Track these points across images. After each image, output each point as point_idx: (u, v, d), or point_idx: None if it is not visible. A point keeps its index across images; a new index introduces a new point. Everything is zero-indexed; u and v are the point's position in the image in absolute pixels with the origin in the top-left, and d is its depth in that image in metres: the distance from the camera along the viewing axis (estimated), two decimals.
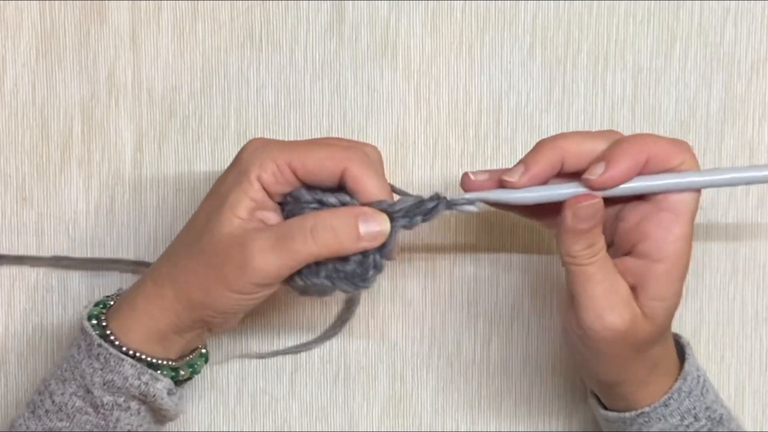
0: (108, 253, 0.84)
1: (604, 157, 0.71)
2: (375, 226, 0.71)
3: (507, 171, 0.72)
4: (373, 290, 0.85)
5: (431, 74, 0.84)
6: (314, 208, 0.73)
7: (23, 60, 0.83)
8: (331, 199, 0.72)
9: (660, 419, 0.75)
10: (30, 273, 0.84)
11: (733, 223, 0.85)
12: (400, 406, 0.86)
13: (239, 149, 0.73)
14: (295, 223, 0.71)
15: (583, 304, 0.71)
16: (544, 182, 0.72)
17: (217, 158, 0.84)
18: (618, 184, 0.71)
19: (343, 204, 0.72)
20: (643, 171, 0.71)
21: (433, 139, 0.84)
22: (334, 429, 0.86)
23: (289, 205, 0.73)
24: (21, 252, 0.84)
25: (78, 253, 0.84)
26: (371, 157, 0.73)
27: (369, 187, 0.72)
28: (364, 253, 0.72)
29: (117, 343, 0.73)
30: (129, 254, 0.84)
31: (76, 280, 0.84)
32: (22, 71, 0.83)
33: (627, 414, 0.76)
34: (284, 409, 0.86)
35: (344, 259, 0.72)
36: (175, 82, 0.84)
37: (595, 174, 0.71)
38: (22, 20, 0.83)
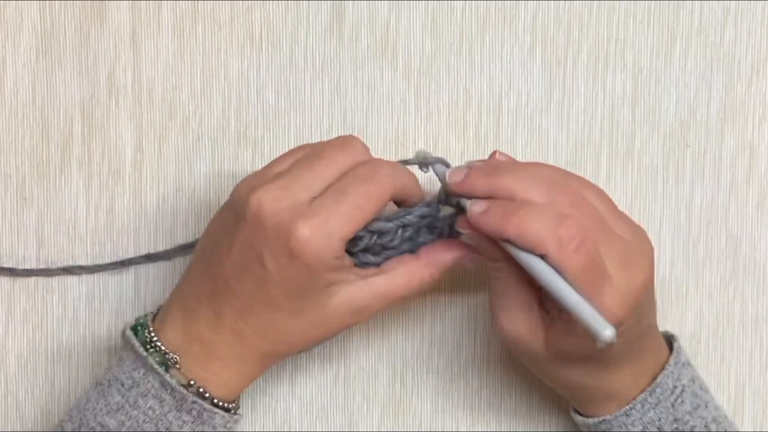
0: (108, 254, 0.84)
1: (475, 169, 0.73)
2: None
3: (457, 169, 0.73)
4: None
5: (431, 74, 0.84)
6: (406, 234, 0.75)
7: (23, 60, 0.83)
8: (409, 217, 0.74)
9: (621, 427, 0.75)
10: None
11: (733, 223, 0.85)
12: (400, 406, 0.86)
13: (291, 248, 0.70)
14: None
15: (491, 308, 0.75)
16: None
17: (217, 158, 0.84)
18: (458, 192, 0.72)
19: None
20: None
21: (433, 139, 0.84)
22: (334, 429, 0.86)
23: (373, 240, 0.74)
24: (21, 252, 0.84)
25: (78, 253, 0.84)
26: (386, 169, 0.73)
27: (414, 196, 0.75)
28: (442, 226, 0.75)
29: (208, 396, 0.73)
30: (129, 254, 0.84)
31: (76, 280, 0.84)
32: (22, 71, 0.83)
33: (590, 420, 0.77)
34: (284, 409, 0.86)
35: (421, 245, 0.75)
36: (175, 82, 0.84)
37: (457, 172, 0.73)
38: (22, 20, 0.83)
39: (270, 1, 0.83)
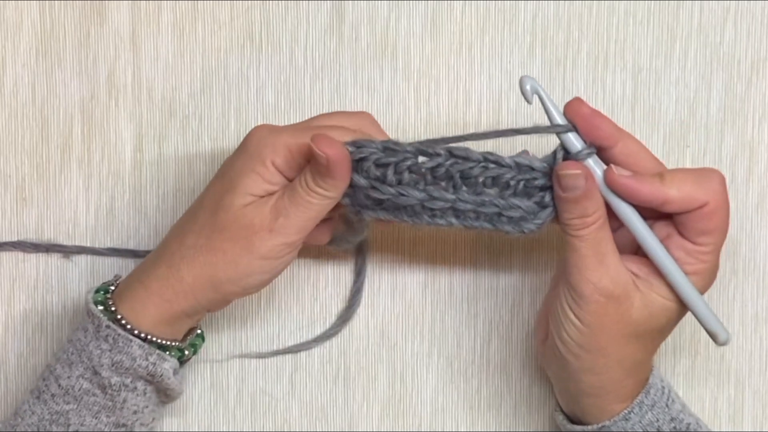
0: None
1: (640, 173, 0.73)
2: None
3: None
4: (373, 290, 0.85)
5: (431, 74, 0.84)
6: (411, 159, 0.73)
7: (23, 60, 0.83)
8: (440, 150, 0.72)
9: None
10: (30, 273, 0.84)
11: (733, 223, 0.85)
12: (400, 406, 0.86)
13: (246, 135, 0.75)
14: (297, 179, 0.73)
15: (569, 269, 0.73)
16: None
17: (217, 158, 0.84)
18: (624, 196, 0.72)
19: (454, 155, 0.72)
20: (660, 208, 0.73)
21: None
22: (334, 429, 0.86)
23: (373, 151, 0.73)
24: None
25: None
26: (371, 118, 0.76)
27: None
28: (545, 206, 0.73)
29: (128, 326, 0.74)
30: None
31: (76, 280, 0.84)
32: (22, 71, 0.83)
33: (590, 427, 0.76)
34: (284, 409, 0.86)
35: (513, 207, 0.73)
36: (175, 82, 0.84)
37: (619, 172, 0.72)
38: (22, 20, 0.83)
39: (270, 1, 0.83)
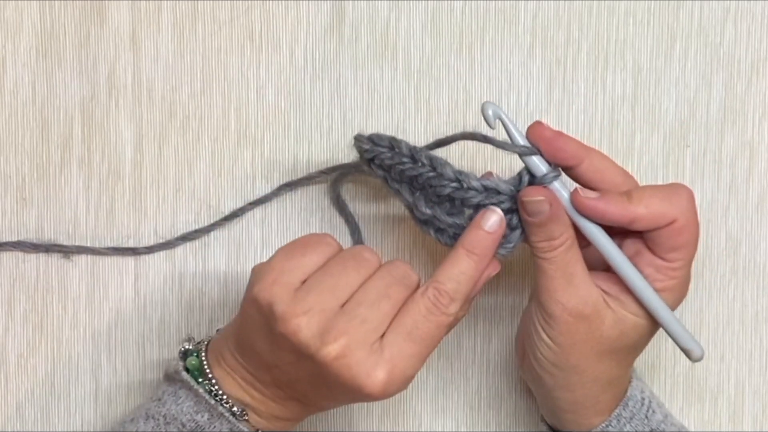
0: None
1: (602, 192, 0.72)
2: (493, 218, 0.72)
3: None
4: None
5: (431, 74, 0.84)
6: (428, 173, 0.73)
7: (23, 60, 0.83)
8: (474, 182, 0.73)
9: None
10: (30, 273, 0.84)
11: (733, 223, 0.85)
12: (400, 406, 0.86)
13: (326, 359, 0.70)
14: (415, 316, 0.71)
15: (538, 289, 0.73)
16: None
17: (217, 158, 0.84)
18: (591, 218, 0.72)
19: (457, 181, 0.72)
20: (629, 226, 0.72)
21: (433, 139, 0.84)
22: (334, 429, 0.86)
23: (388, 155, 0.74)
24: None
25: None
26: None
27: None
28: (513, 227, 0.73)
29: None
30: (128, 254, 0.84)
31: (76, 280, 0.84)
32: (22, 71, 0.83)
33: None
34: None
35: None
36: (175, 82, 0.84)
37: (585, 194, 0.72)
38: (22, 20, 0.83)
39: (270, 1, 0.83)
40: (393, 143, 0.74)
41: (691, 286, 0.84)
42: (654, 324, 0.74)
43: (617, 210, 0.71)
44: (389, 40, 0.84)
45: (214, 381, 0.73)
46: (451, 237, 0.74)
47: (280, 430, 0.75)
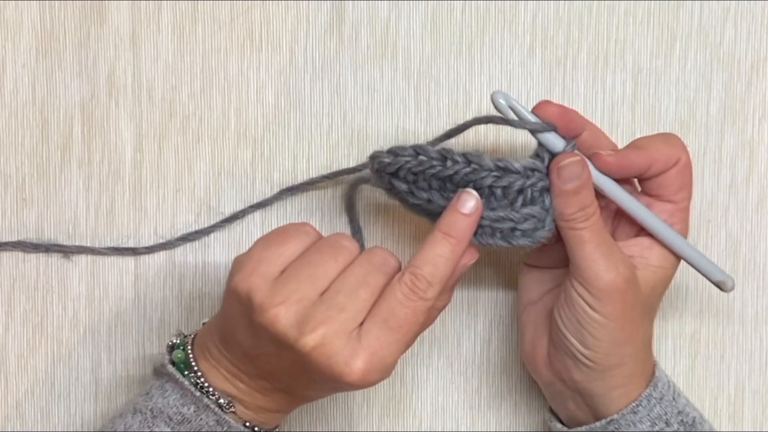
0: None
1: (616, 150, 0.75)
2: (470, 201, 0.72)
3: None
4: None
5: (431, 74, 0.84)
6: (437, 166, 0.72)
7: (23, 60, 0.83)
8: (458, 157, 0.72)
9: (630, 425, 0.75)
10: (30, 273, 0.84)
11: (733, 223, 0.85)
12: (400, 406, 0.86)
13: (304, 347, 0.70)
14: (392, 302, 0.70)
15: (582, 265, 0.73)
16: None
17: (217, 158, 0.84)
18: (616, 174, 0.74)
19: (471, 163, 0.72)
20: (645, 173, 0.75)
21: (433, 139, 0.84)
22: (334, 429, 0.86)
23: (408, 159, 0.73)
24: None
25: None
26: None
27: None
28: (547, 208, 0.72)
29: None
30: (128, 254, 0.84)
31: (76, 280, 0.84)
32: (22, 71, 0.83)
33: (597, 424, 0.76)
34: None
35: (527, 218, 0.72)
36: (175, 82, 0.84)
37: (606, 153, 0.74)
38: (22, 20, 0.83)
39: (270, 1, 0.83)
40: (417, 150, 0.73)
41: (691, 286, 0.85)
42: (674, 269, 0.76)
43: (638, 158, 0.74)
44: (389, 40, 0.84)
45: (199, 373, 0.73)
46: (497, 235, 0.73)
47: (268, 421, 0.75)
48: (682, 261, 0.76)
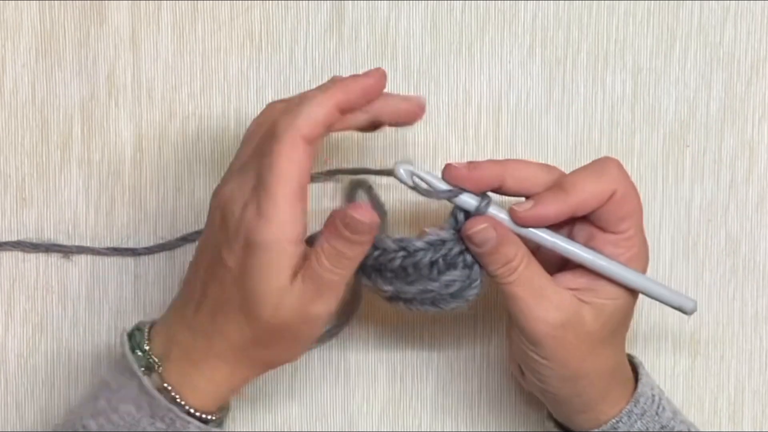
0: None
1: (536, 196, 0.72)
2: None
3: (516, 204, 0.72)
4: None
5: (431, 74, 0.84)
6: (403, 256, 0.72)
7: (23, 60, 0.83)
8: (418, 243, 0.72)
9: None
10: (30, 273, 0.84)
11: (733, 223, 0.85)
12: (400, 406, 0.86)
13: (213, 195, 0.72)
14: (315, 264, 0.70)
15: (514, 316, 0.72)
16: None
17: (217, 158, 0.84)
18: (537, 226, 0.72)
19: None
20: (573, 215, 0.72)
21: (433, 139, 0.84)
22: (334, 429, 0.86)
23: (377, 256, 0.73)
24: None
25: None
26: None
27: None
28: (470, 266, 0.72)
29: (186, 407, 0.72)
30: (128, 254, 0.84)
31: (76, 280, 0.84)
32: (22, 71, 0.83)
33: None
34: (284, 409, 0.86)
35: (449, 284, 0.72)
36: (175, 82, 0.84)
37: (522, 208, 0.72)
38: (22, 20, 0.83)
39: (270, 1, 0.83)
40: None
41: (691, 286, 0.85)
42: (632, 297, 0.74)
43: (557, 207, 0.71)
44: (389, 40, 0.84)
45: (147, 333, 0.74)
46: (423, 303, 0.73)
47: (191, 385, 0.73)
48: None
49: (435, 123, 0.84)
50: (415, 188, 0.72)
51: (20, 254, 0.84)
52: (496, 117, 0.84)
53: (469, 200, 0.72)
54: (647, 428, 0.75)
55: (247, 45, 0.83)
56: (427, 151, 0.84)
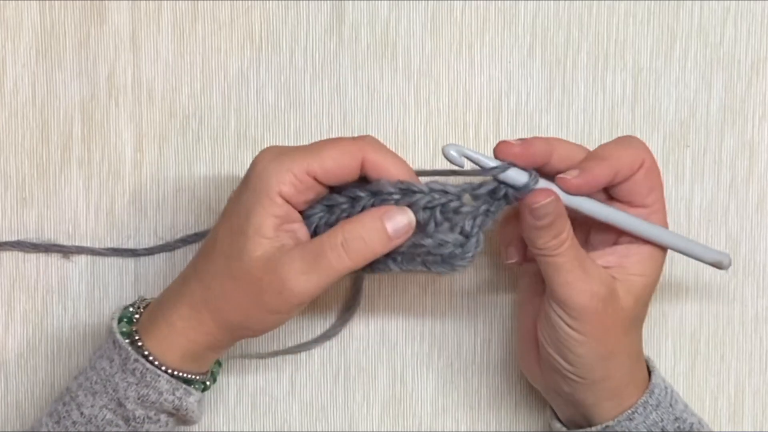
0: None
1: (579, 165, 0.73)
2: (402, 220, 0.72)
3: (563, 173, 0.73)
4: (373, 290, 0.85)
5: (431, 74, 0.84)
6: (346, 208, 0.73)
7: (23, 60, 0.83)
8: (361, 192, 0.72)
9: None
10: (30, 273, 0.84)
11: (733, 223, 0.85)
12: (400, 406, 0.86)
13: (251, 164, 0.73)
14: (326, 241, 0.71)
15: (558, 290, 0.73)
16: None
17: (217, 158, 0.84)
18: (584, 193, 0.73)
19: (374, 193, 0.72)
20: (612, 182, 0.74)
21: (433, 139, 0.84)
22: (334, 429, 0.86)
23: (319, 214, 0.73)
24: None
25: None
26: (375, 142, 0.73)
27: (391, 168, 0.72)
28: (467, 234, 0.72)
29: (156, 362, 0.74)
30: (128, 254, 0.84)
31: (76, 280, 0.84)
32: (22, 71, 0.83)
33: (593, 428, 0.76)
34: (284, 409, 0.86)
35: (441, 244, 0.72)
36: (175, 83, 0.84)
37: (570, 176, 0.73)
38: (22, 20, 0.83)
39: (270, 1, 0.83)
40: (327, 201, 0.74)
41: (691, 286, 0.85)
42: (657, 275, 0.76)
43: (602, 171, 0.73)
44: (389, 40, 0.84)
45: (140, 305, 0.76)
46: (412, 260, 0.73)
47: (162, 342, 0.74)
48: (664, 262, 0.76)
49: (435, 123, 0.84)
50: (462, 174, 0.73)
51: (20, 254, 0.84)
52: (496, 117, 0.84)
53: (517, 175, 0.72)
54: (662, 419, 0.76)
55: (247, 45, 0.83)
56: (427, 151, 0.84)
